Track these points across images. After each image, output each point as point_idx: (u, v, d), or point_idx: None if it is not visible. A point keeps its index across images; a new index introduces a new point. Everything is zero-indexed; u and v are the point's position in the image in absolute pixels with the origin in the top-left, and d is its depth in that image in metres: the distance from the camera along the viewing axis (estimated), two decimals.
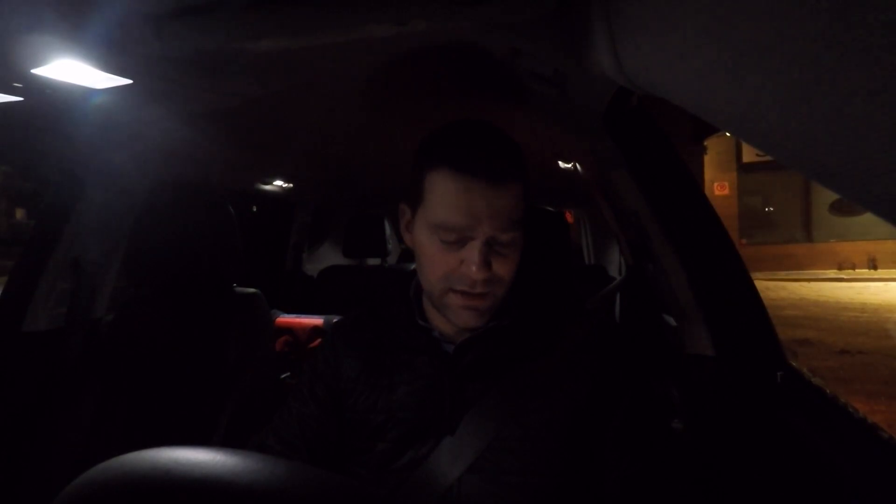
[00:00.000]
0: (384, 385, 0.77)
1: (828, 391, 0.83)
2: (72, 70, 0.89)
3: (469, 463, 0.71)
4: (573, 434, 0.72)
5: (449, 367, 0.75)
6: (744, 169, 12.85)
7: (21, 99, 1.02)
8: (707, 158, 11.58)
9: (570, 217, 4.00)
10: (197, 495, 0.29)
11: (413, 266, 0.80)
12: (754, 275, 1.02)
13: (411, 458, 0.73)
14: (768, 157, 0.44)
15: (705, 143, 9.91)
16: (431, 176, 0.70)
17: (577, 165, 1.79)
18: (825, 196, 12.11)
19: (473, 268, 0.67)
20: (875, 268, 11.63)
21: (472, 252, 0.68)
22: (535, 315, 0.80)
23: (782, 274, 11.53)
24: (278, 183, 2.50)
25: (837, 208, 12.06)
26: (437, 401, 0.74)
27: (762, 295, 0.99)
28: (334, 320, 2.02)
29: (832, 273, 11.66)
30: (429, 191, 0.70)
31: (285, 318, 2.04)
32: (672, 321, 1.23)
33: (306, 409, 0.82)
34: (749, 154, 12.39)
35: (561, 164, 1.85)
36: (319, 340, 1.96)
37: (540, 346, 0.76)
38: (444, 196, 0.68)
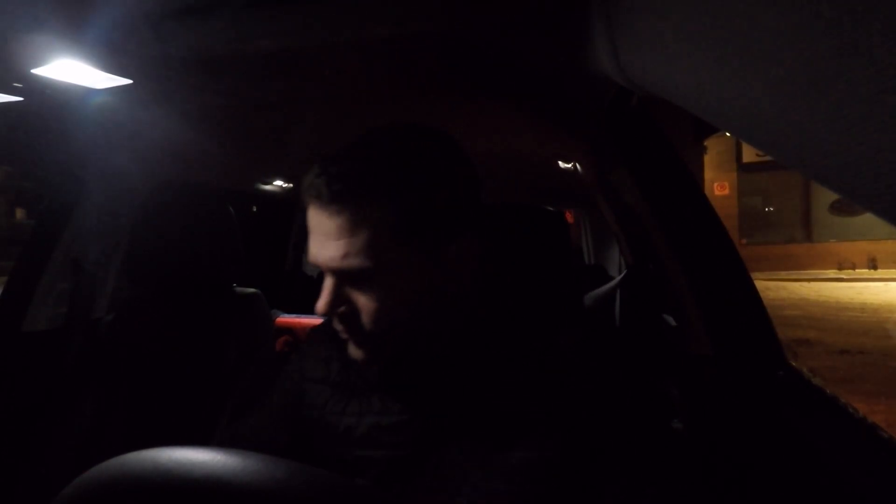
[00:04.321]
0: (353, 412, 0.68)
1: (827, 391, 0.83)
2: (72, 70, 0.89)
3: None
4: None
5: (410, 403, 0.65)
6: (744, 169, 12.85)
7: (21, 99, 1.02)
8: (707, 158, 11.58)
9: (570, 217, 4.00)
10: (197, 495, 0.29)
11: None
12: (754, 275, 1.01)
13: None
14: (768, 157, 0.44)
15: (705, 143, 9.92)
16: None
17: (577, 165, 1.79)
18: (825, 196, 12.10)
19: (319, 301, 0.59)
20: (875, 268, 11.63)
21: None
22: (496, 343, 0.65)
23: (782, 274, 11.52)
24: (278, 183, 2.50)
25: (837, 208, 12.06)
26: (402, 440, 0.64)
27: (762, 295, 0.99)
28: None
29: (832, 273, 11.65)
30: None
31: (285, 318, 2.04)
32: (672, 321, 1.23)
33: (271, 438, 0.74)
34: (749, 154, 12.38)
35: (561, 164, 1.85)
36: None
37: (503, 380, 0.62)
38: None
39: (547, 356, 0.63)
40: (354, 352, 0.63)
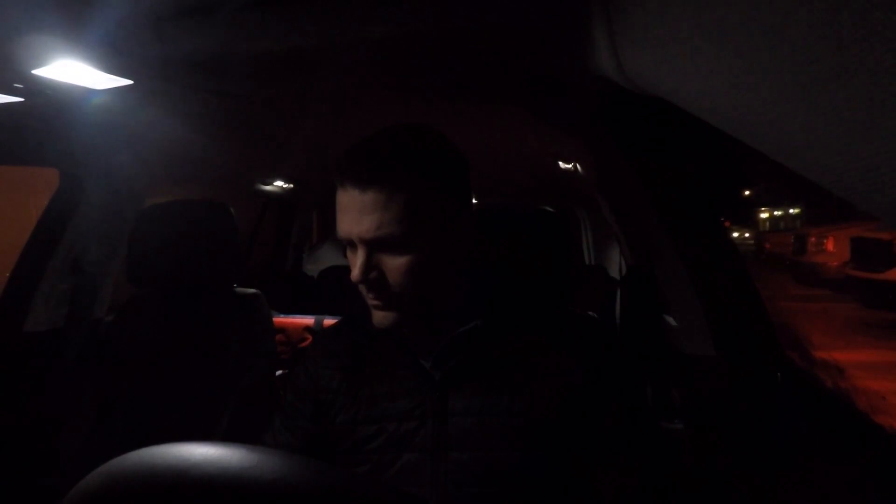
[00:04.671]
0: (365, 396, 0.76)
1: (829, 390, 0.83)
2: (72, 71, 0.89)
3: (451, 473, 0.70)
4: (558, 433, 0.71)
5: (427, 377, 0.74)
6: None
7: (22, 99, 1.02)
8: None
9: None
10: (230, 493, 0.29)
11: None
12: None
13: (399, 467, 0.72)
14: None
15: None
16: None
17: (577, 165, 1.79)
18: None
19: (354, 271, 0.68)
20: None
21: (353, 256, 0.69)
22: (512, 315, 0.76)
23: None
24: (278, 183, 2.50)
25: None
26: (419, 412, 0.73)
27: None
28: (325, 320, 2.04)
29: None
30: None
31: (279, 318, 2.06)
32: (673, 321, 1.23)
33: (293, 436, 0.81)
34: None
35: (561, 164, 1.85)
36: (310, 339, 2.00)
37: (519, 346, 0.74)
38: (337, 207, 0.71)
39: (562, 309, 0.78)
40: (380, 318, 0.71)
